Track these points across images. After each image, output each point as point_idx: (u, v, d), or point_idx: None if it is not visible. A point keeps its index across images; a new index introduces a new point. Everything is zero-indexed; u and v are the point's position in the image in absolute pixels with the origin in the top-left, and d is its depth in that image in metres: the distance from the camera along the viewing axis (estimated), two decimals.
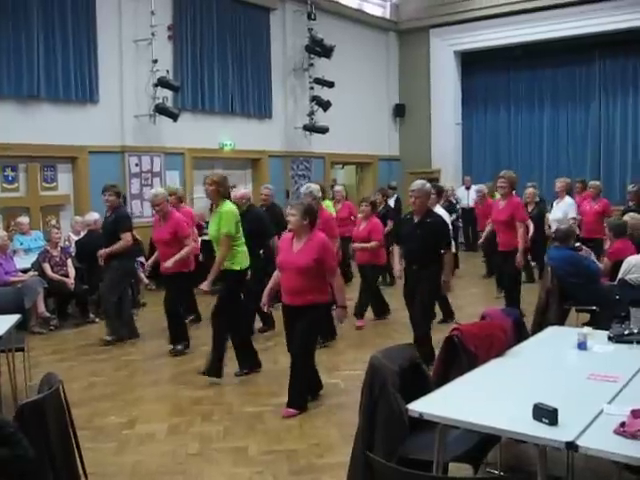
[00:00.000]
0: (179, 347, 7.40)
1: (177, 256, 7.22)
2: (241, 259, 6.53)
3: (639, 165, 16.45)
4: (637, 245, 7.22)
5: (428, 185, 6.70)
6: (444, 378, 3.88)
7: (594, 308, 6.75)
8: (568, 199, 10.22)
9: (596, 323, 6.34)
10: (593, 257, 7.63)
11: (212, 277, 6.45)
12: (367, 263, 8.68)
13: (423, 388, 3.65)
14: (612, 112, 16.86)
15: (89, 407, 5.65)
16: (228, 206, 6.50)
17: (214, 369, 6.39)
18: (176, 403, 5.86)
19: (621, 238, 7.28)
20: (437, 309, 7.97)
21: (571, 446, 2.83)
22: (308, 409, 5.58)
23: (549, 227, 10.20)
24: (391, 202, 12.98)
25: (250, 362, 6.67)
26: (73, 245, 9.66)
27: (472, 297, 10.55)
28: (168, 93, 12.08)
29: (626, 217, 7.70)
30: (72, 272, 8.90)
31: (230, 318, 6.48)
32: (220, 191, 6.51)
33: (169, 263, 7.19)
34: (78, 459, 3.35)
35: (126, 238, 7.88)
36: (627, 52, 16.48)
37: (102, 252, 7.94)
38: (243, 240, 6.62)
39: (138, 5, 11.84)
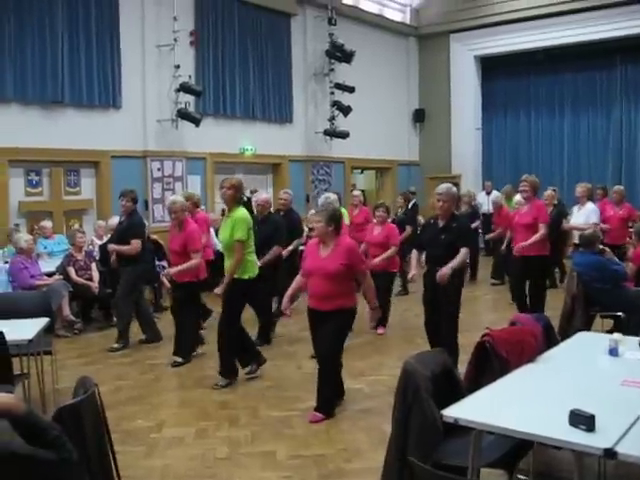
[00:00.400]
0: (179, 360, 7.28)
1: (180, 267, 7.14)
2: (251, 268, 6.51)
3: None
4: None
5: (454, 189, 6.65)
6: (476, 384, 3.86)
7: (619, 314, 6.70)
8: (590, 205, 10.11)
9: (622, 329, 6.29)
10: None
11: (227, 283, 6.43)
12: (380, 270, 8.33)
13: (455, 394, 3.64)
14: (634, 117, 16.71)
15: (116, 410, 5.67)
16: (241, 212, 6.47)
17: (228, 370, 6.50)
18: (202, 407, 5.88)
19: None
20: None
21: (610, 452, 2.81)
22: (334, 414, 5.59)
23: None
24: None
25: (254, 358, 6.71)
26: (96, 249, 9.72)
27: (486, 303, 10.52)
28: (190, 98, 12.14)
29: None
30: (96, 276, 8.97)
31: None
32: (236, 196, 6.54)
33: (172, 271, 7.22)
34: (112, 462, 3.37)
35: (134, 245, 7.94)
36: None
37: (112, 247, 8.12)
38: (253, 249, 6.61)
39: (160, 11, 11.93)
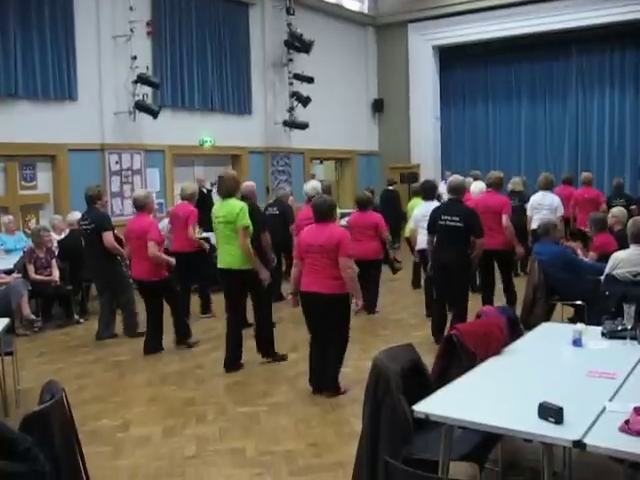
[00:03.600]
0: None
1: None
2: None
3: (616, 158, 16.67)
4: (617, 239, 7.32)
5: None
6: (443, 377, 3.90)
7: (579, 303, 6.82)
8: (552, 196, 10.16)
9: (583, 318, 6.42)
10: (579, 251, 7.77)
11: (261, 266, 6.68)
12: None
13: (424, 387, 3.68)
14: (589, 106, 17.06)
15: (80, 410, 5.53)
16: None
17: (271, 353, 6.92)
18: (169, 404, 5.82)
19: (602, 232, 7.43)
20: None
21: (579, 444, 2.86)
22: (301, 409, 5.61)
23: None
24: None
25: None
26: (55, 245, 9.51)
27: None
28: (148, 90, 11.95)
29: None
30: (56, 273, 8.79)
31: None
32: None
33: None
34: (82, 467, 3.32)
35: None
36: (603, 47, 16.68)
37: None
38: None
39: (116, 0, 11.71)
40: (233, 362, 6.70)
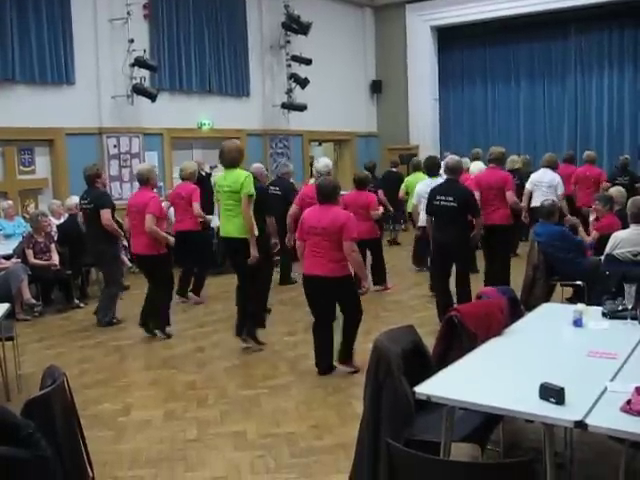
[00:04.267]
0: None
1: None
2: None
3: (615, 138, 16.58)
4: (621, 218, 7.31)
5: None
6: (444, 359, 3.90)
7: (579, 283, 6.83)
8: (553, 175, 10.10)
9: (582, 298, 6.43)
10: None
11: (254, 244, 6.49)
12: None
13: (425, 369, 3.68)
14: (588, 86, 16.91)
15: (81, 395, 5.54)
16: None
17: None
18: (170, 388, 5.83)
19: (610, 212, 7.40)
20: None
21: (580, 425, 2.86)
22: (302, 392, 5.62)
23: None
24: None
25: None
26: (54, 229, 9.49)
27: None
28: (145, 73, 11.89)
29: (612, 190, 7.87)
30: (56, 257, 8.77)
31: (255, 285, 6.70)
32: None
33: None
34: (84, 451, 3.33)
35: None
36: (601, 26, 16.51)
37: None
38: None
39: None
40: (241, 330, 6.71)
